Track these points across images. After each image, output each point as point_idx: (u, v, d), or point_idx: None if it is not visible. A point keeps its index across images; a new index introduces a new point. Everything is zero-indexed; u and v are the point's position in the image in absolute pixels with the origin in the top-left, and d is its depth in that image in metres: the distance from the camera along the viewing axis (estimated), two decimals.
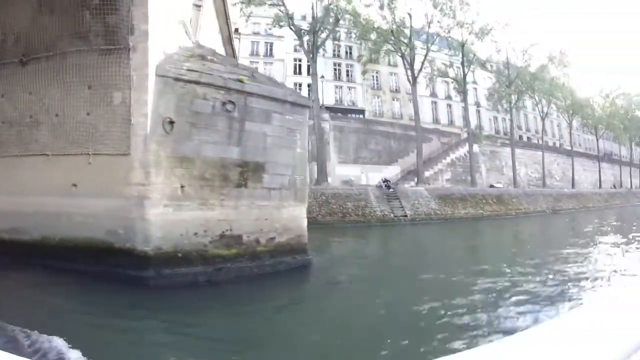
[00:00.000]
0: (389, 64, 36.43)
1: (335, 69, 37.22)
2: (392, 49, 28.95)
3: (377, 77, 37.89)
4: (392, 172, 30.26)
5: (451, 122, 39.07)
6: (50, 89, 9.07)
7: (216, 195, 8.60)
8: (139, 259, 7.88)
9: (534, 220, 27.26)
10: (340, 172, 29.13)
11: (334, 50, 36.88)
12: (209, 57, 9.95)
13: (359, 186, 26.05)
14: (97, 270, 7.64)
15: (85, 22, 8.47)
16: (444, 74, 32.83)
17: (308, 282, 9.11)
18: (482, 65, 38.47)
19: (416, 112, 29.07)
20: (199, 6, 11.94)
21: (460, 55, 32.03)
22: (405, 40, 28.24)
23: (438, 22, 29.27)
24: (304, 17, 30.14)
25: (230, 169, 8.79)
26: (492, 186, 32.48)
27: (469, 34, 31.23)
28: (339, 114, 33.87)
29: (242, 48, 35.87)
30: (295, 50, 35.27)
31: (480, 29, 30.75)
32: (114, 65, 8.46)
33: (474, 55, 32.61)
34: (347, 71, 37.24)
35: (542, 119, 41.28)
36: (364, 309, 6.86)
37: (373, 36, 29.10)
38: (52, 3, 8.62)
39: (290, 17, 26.35)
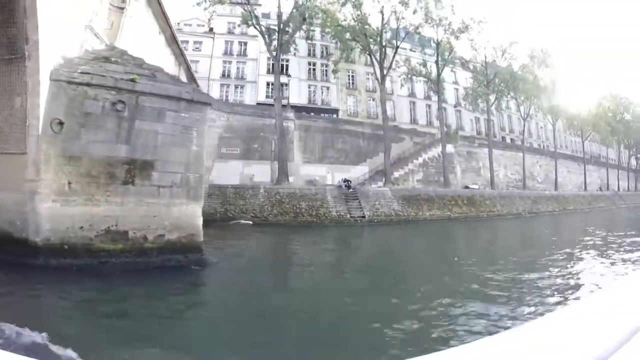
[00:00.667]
0: (366, 64, 36.92)
1: (309, 69, 38.10)
2: (360, 46, 29.50)
3: (352, 76, 38.66)
4: (360, 172, 30.84)
5: (430, 123, 39.64)
6: None
7: (102, 191, 9.44)
8: (31, 248, 8.84)
9: (504, 222, 27.40)
10: (305, 171, 29.83)
11: (309, 50, 37.70)
12: (113, 59, 10.80)
13: (320, 186, 26.68)
14: (4, 258, 8.45)
15: None
16: (419, 73, 33.24)
17: (191, 281, 9.48)
18: (463, 64, 39.09)
19: (384, 112, 29.75)
20: (122, 8, 12.75)
21: (436, 54, 32.58)
22: (374, 38, 28.84)
23: (403, 18, 29.62)
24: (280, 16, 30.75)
25: (117, 166, 9.62)
26: (467, 187, 32.94)
27: (444, 32, 31.75)
28: (312, 114, 34.67)
29: (216, 47, 37.00)
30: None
31: (450, 26, 31.10)
32: (14, 73, 9.37)
33: (449, 53, 33.02)
34: (323, 71, 37.91)
35: (524, 120, 41.83)
36: (239, 316, 7.24)
37: (340, 34, 29.53)
38: None
39: (255, 16, 27.22)
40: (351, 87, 38.72)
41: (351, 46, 30.09)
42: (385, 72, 29.76)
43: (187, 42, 36.84)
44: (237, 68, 37.13)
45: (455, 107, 42.06)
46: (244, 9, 26.73)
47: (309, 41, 33.78)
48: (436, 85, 32.73)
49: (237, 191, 23.55)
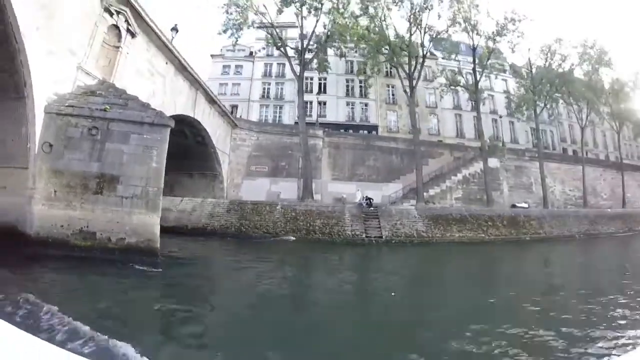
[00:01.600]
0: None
1: (347, 86, 40.60)
2: (385, 58, 31.22)
3: (392, 91, 40.24)
4: (392, 189, 32.12)
5: (481, 135, 39.44)
6: None
7: (78, 199, 12.64)
8: (27, 239, 12.16)
9: (547, 247, 25.81)
10: (333, 189, 31.90)
11: (347, 67, 40.16)
12: (98, 92, 14.24)
13: (339, 204, 28.35)
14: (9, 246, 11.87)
15: (4, 82, 13.21)
16: (457, 83, 33.83)
17: (137, 276, 12.03)
18: (516, 72, 38.72)
19: (414, 125, 31.12)
20: (117, 47, 16.34)
21: (473, 61, 33.22)
22: (401, 48, 30.37)
23: (426, 23, 30.91)
24: (302, 37, 33.62)
25: (90, 179, 12.79)
26: (514, 206, 32.37)
27: (480, 36, 32.45)
28: (350, 131, 36.95)
29: (256, 70, 41.28)
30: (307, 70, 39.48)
31: (477, 27, 31.58)
32: (21, 108, 13.05)
33: (487, 59, 33.08)
34: (362, 87, 40.03)
35: (582, 128, 39.91)
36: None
37: (372, 48, 31.28)
38: None
39: (280, 38, 30.53)
40: (391, 102, 40.52)
41: (378, 59, 31.76)
42: (414, 83, 31.06)
43: (229, 66, 41.95)
44: (276, 89, 40.95)
45: (500, 117, 41.37)
46: (267, 32, 30.04)
47: (344, 58, 36.08)
48: (474, 94, 33.04)
49: (255, 207, 26.32)
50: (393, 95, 40.52)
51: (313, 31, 30.39)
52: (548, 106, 37.68)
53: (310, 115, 38.48)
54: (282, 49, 30.36)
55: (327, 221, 25.50)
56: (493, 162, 33.89)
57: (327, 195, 31.62)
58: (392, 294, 11.85)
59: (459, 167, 34.29)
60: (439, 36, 31.94)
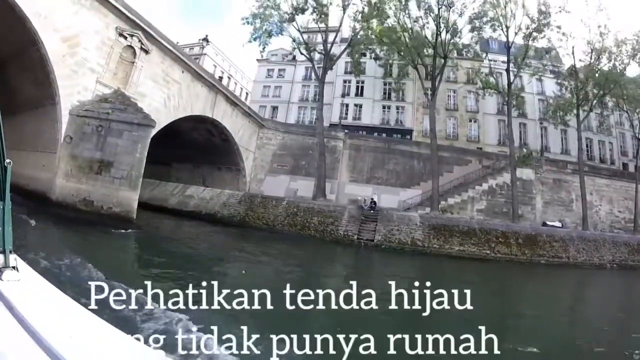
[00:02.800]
0: (447, 81, 42.92)
1: (384, 89, 46.32)
2: (407, 60, 36.09)
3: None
4: (410, 195, 36.93)
5: (525, 144, 42.40)
6: (37, 125, 22.91)
7: (85, 177, 20.81)
8: (52, 202, 20.49)
9: (561, 276, 26.28)
10: (350, 191, 37.89)
11: (385, 70, 45.63)
12: (109, 99, 22.39)
13: (339, 205, 34.23)
14: (43, 209, 20.34)
15: (45, 93, 21.76)
16: (489, 85, 36.28)
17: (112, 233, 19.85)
18: (571, 74, 40.06)
19: (432, 130, 35.54)
20: (132, 62, 24.35)
21: (507, 60, 35.70)
22: (422, 48, 35.21)
23: (449, 23, 34.46)
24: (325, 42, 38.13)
25: (94, 163, 20.89)
26: (545, 224, 33.75)
27: (515, 33, 34.99)
28: (383, 135, 42.75)
29: (297, 73, 48.97)
30: (345, 72, 45.95)
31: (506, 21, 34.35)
32: (52, 112, 21.57)
33: (523, 59, 35.15)
34: (399, 91, 45.26)
35: (638, 139, 39.47)
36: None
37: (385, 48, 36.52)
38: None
39: (306, 43, 37.51)
40: (428, 106, 44.81)
41: (392, 60, 37.03)
42: (437, 84, 35.89)
43: (272, 69, 50.18)
44: (315, 91, 48.09)
45: (541, 124, 43.50)
46: (291, 37, 37.32)
47: (379, 61, 41.70)
48: (507, 96, 35.73)
49: (263, 201, 33.38)
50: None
51: (335, 36, 36.89)
52: (597, 112, 38.65)
53: (346, 118, 44.86)
54: (305, 53, 37.29)
55: (324, 219, 31.10)
56: (527, 174, 36.04)
57: (344, 196, 37.58)
58: (243, 271, 15.57)
59: (485, 176, 36.92)
60: (461, 34, 35.65)
